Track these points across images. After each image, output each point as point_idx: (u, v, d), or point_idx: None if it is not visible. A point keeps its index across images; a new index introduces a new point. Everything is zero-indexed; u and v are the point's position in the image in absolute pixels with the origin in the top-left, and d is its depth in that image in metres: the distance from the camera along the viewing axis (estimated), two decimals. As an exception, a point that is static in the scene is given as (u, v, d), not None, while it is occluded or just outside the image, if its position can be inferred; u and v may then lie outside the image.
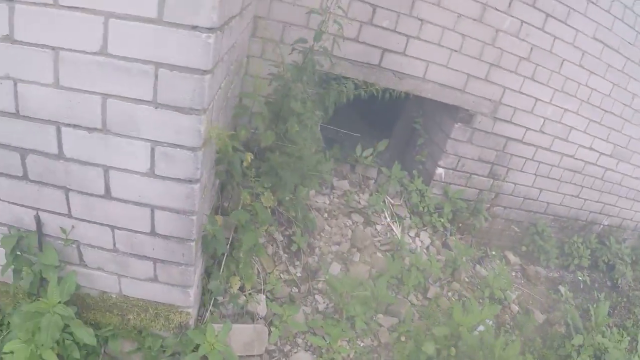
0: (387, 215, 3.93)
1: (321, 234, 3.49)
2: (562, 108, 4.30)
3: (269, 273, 2.95)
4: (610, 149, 4.85)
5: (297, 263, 3.19)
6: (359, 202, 3.92)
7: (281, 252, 3.15)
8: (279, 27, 3.16)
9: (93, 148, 1.77)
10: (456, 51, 3.63)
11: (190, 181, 1.84)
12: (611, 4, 3.94)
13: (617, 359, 3.71)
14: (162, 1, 1.49)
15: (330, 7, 2.64)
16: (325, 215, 3.64)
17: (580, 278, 4.95)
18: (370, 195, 4.01)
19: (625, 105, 4.64)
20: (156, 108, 1.67)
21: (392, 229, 3.86)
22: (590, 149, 4.72)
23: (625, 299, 4.99)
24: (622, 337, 4.22)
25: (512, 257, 4.64)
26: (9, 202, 1.98)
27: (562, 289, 4.58)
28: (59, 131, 1.73)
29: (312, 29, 3.04)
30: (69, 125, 1.72)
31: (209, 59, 1.59)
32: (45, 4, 1.53)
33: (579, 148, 4.64)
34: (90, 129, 1.72)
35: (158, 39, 1.55)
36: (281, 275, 3.04)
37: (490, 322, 3.47)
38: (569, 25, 3.88)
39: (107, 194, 1.87)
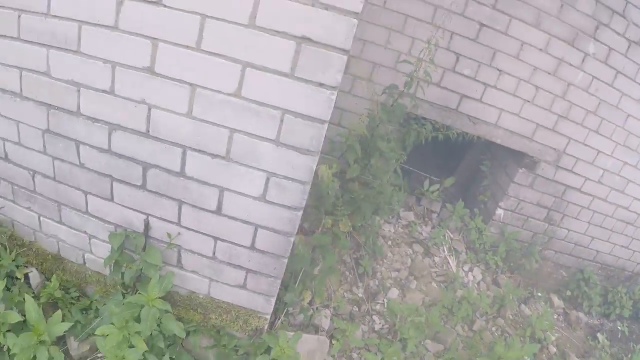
0: (445, 249, 4.03)
1: (384, 259, 3.62)
2: (622, 161, 4.29)
3: (335, 291, 3.12)
4: None
5: (360, 284, 3.33)
6: (421, 234, 4.04)
7: (347, 273, 3.31)
8: (369, 66, 3.33)
9: (213, 171, 1.95)
10: (529, 101, 3.71)
11: (295, 209, 2.00)
12: None
13: None
14: (296, 60, 1.66)
15: (422, 55, 2.80)
16: (389, 242, 3.77)
17: (619, 328, 4.93)
18: (432, 228, 4.13)
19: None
20: (277, 146, 1.84)
21: (448, 262, 3.96)
22: (644, 202, 4.73)
23: None
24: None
25: (556, 300, 4.66)
26: (122, 206, 2.17)
27: (600, 336, 4.58)
28: (184, 153, 1.92)
29: (399, 71, 3.20)
30: (194, 149, 1.90)
31: (329, 111, 1.75)
32: (188, 46, 1.72)
33: (634, 201, 4.64)
34: (213, 155, 1.90)
35: (288, 90, 1.72)
36: (345, 294, 3.19)
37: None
38: (637, 82, 3.94)
39: (218, 211, 2.05)
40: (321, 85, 1.70)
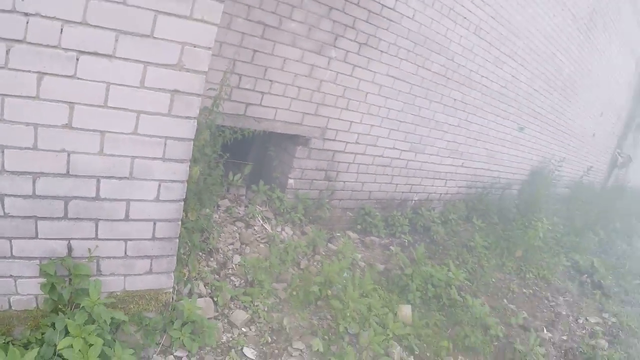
0: (259, 219, 5.22)
1: (219, 238, 4.68)
2: (369, 125, 5.98)
3: (198, 266, 4.12)
4: (409, 147, 6.77)
5: (212, 259, 4.37)
6: (239, 213, 5.17)
7: (200, 253, 4.33)
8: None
9: (121, 189, 2.79)
10: (295, 99, 5.08)
11: (179, 201, 2.99)
12: (398, 50, 5.76)
13: (439, 278, 5.32)
14: (171, 104, 2.68)
15: (224, 81, 3.89)
16: (220, 225, 4.86)
17: (405, 240, 6.64)
18: (246, 207, 5.28)
19: (415, 115, 6.53)
20: (164, 161, 2.80)
21: (265, 228, 5.16)
22: (394, 148, 6.55)
23: (441, 247, 6.82)
24: (442, 267, 5.79)
25: (352, 234, 6.19)
26: (46, 239, 2.75)
27: (392, 248, 6.20)
28: (98, 182, 2.71)
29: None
30: (106, 177, 2.71)
31: (193, 133, 2.80)
32: (98, 105, 2.52)
33: (386, 149, 6.41)
34: (120, 178, 2.76)
35: (167, 123, 2.71)
36: (204, 268, 4.22)
37: (346, 274, 4.87)
38: (369, 70, 5.57)
39: (127, 217, 2.90)
40: (187, 117, 2.75)
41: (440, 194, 8.04)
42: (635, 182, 24.10)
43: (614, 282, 9.10)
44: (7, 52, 2.22)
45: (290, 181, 5.60)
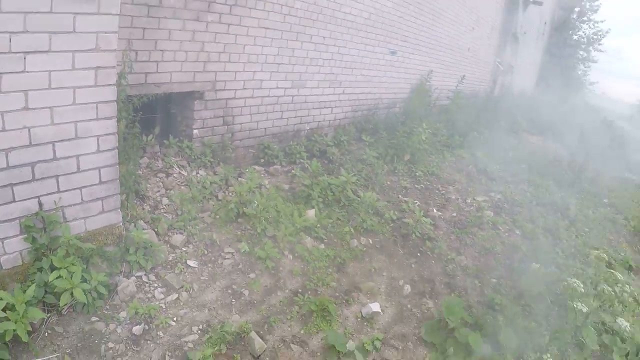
0: (176, 167, 6.41)
1: (146, 188, 5.83)
2: (252, 71, 7.20)
3: (136, 209, 5.30)
4: (290, 84, 8.10)
5: (145, 204, 5.54)
6: (158, 166, 6.33)
7: (134, 200, 5.50)
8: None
9: (71, 148, 3.89)
10: (184, 61, 6.17)
11: (114, 149, 4.16)
12: (264, 4, 6.98)
13: (336, 184, 6.86)
14: (96, 78, 3.83)
15: (124, 58, 5.00)
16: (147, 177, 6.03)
17: (304, 163, 7.96)
18: (162, 160, 6.45)
19: (290, 56, 7.86)
20: (98, 120, 3.94)
21: (182, 174, 6.35)
22: (277, 87, 7.86)
23: (337, 165, 8.33)
24: (338, 177, 7.16)
25: (257, 167, 7.47)
26: (21, 200, 3.74)
27: (295, 172, 7.50)
28: (53, 146, 3.81)
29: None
30: (59, 140, 3.80)
31: (115, 95, 3.98)
32: (45, 88, 3.69)
33: (270, 90, 7.72)
34: (70, 139, 3.86)
35: (96, 92, 3.88)
36: (141, 210, 5.38)
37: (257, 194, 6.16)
38: (243, 26, 6.78)
39: (79, 169, 4.01)
40: (109, 85, 3.91)
41: (329, 120, 9.48)
42: (521, 87, 26.67)
43: (499, 169, 10.91)
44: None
45: (195, 131, 6.76)
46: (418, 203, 7.97)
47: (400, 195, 8.18)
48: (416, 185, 8.90)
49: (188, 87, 6.39)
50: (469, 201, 8.81)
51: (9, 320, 3.29)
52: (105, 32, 3.78)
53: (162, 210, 5.54)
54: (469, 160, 10.96)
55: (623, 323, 4.70)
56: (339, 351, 4.11)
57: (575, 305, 4.60)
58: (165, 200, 5.69)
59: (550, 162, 12.30)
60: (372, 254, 6.02)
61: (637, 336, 5.06)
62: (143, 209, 5.40)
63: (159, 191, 5.85)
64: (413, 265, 6.05)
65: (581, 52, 36.87)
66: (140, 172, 5.99)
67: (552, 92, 30.28)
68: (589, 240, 8.18)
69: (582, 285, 4.85)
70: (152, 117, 6.66)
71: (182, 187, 6.07)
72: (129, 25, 5.39)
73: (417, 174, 9.20)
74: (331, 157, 8.62)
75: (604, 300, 4.94)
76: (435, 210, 7.91)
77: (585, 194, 10.98)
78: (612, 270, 5.65)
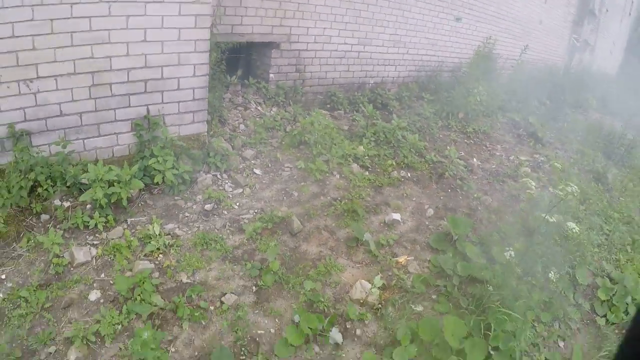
0: (253, 103, 7.83)
1: (228, 115, 7.27)
2: (322, 28, 8.52)
3: (218, 128, 6.76)
4: (357, 41, 9.31)
5: (225, 127, 7.00)
6: (238, 101, 7.77)
7: (217, 122, 6.96)
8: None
9: (174, 71, 5.40)
10: (264, 17, 7.53)
11: (206, 75, 5.60)
12: None
13: (388, 128, 8.07)
14: (196, 22, 5.26)
15: (216, 12, 6.41)
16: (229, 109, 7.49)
17: (364, 109, 9.13)
18: (242, 97, 7.89)
19: (357, 17, 9.04)
20: (195, 53, 5.41)
21: (258, 109, 7.77)
22: (345, 43, 9.12)
23: (395, 116, 9.39)
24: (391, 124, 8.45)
25: (324, 112, 8.76)
26: (135, 106, 5.35)
27: (356, 115, 8.77)
28: (162, 69, 5.34)
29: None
30: (165, 65, 5.31)
31: (209, 35, 5.42)
32: (159, 27, 5.18)
33: (339, 45, 9.01)
34: (174, 65, 5.36)
35: (196, 32, 5.30)
36: (222, 129, 6.84)
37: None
38: None
39: (178, 88, 5.49)
40: (204, 28, 5.33)
41: (393, 77, 10.66)
42: (602, 66, 26.62)
43: (551, 136, 11.67)
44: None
45: (271, 75, 8.16)
46: (462, 153, 9.05)
47: (448, 147, 9.28)
48: (466, 140, 9.89)
49: (267, 38, 7.76)
50: (512, 158, 9.75)
51: (117, 186, 4.76)
52: (203, -13, 5.19)
53: (239, 133, 6.97)
54: (520, 124, 11.82)
55: (571, 225, 5.79)
56: (357, 239, 5.41)
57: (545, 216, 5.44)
58: (242, 127, 7.14)
59: (604, 136, 12.79)
60: (407, 184, 7.19)
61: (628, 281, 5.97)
62: (224, 129, 6.85)
63: (237, 120, 7.30)
64: (441, 197, 7.15)
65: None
66: (224, 104, 7.44)
67: (637, 75, 29.93)
68: (618, 206, 8.68)
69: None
70: (236, 62, 8.08)
71: (257, 119, 7.48)
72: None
73: (468, 130, 10.17)
74: (391, 110, 9.78)
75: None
76: (476, 160, 8.98)
77: (632, 169, 11.51)
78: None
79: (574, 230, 5.81)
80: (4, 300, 3.76)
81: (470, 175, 8.11)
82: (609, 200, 8.79)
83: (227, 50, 6.88)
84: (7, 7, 4.06)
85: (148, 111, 5.39)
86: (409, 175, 7.45)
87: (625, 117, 16.23)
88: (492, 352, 4.24)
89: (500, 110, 11.86)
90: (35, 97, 4.48)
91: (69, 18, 4.41)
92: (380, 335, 4.43)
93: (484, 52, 12.71)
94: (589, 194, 8.50)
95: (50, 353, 3.52)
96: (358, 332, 4.41)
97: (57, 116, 4.69)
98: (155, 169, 5.18)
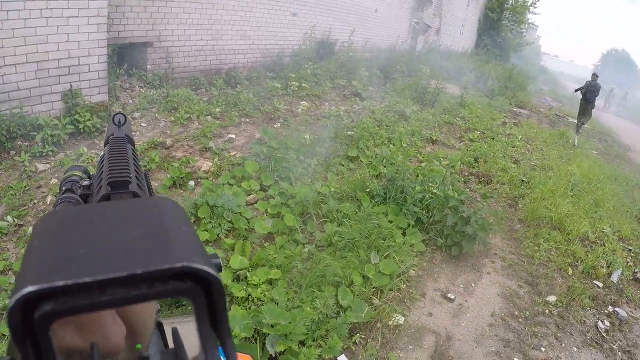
0: (137, 87, 11.37)
1: (123, 93, 10.78)
2: (183, 29, 12.13)
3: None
4: (211, 37, 12.98)
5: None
6: (127, 85, 11.28)
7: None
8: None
9: None
10: (140, 24, 11.10)
11: (106, 62, 9.17)
12: None
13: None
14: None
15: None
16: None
17: (217, 87, 12.84)
18: (129, 83, 11.40)
19: (209, 19, 12.69)
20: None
21: (142, 91, 11.31)
22: (202, 40, 12.73)
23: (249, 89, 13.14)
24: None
25: (190, 90, 12.36)
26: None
27: (212, 91, 12.44)
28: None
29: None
30: None
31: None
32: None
33: (197, 41, 12.65)
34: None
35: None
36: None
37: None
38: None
39: (89, 71, 9.03)
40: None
41: (243, 63, 14.26)
42: (450, 44, 31.56)
43: (373, 94, 15.81)
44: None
45: (149, 67, 11.64)
46: (288, 107, 12.91)
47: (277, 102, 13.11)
48: (300, 101, 13.80)
49: (143, 39, 11.22)
50: (334, 109, 13.69)
51: (58, 130, 8.23)
52: None
53: (129, 105, 10.49)
54: (347, 87, 15.83)
55: (385, 150, 9.81)
56: (206, 147, 9.09)
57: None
58: (130, 102, 10.64)
59: (419, 91, 16.98)
60: (246, 125, 11.00)
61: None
62: (119, 103, 10.34)
63: (127, 98, 10.78)
64: (269, 129, 11.04)
65: (517, 15, 40.66)
66: (116, 88, 10.91)
67: (487, 53, 35.41)
68: (415, 129, 12.96)
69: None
70: (122, 58, 11.53)
71: (141, 98, 10.98)
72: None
73: (302, 94, 14.01)
74: (243, 87, 13.51)
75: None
76: (301, 110, 12.83)
77: (437, 110, 15.82)
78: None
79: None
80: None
81: (295, 117, 11.98)
82: (404, 125, 12.96)
83: (116, 49, 10.35)
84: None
85: (71, 87, 8.67)
86: (247, 120, 11.22)
87: (460, 82, 20.82)
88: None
89: (330, 79, 15.84)
90: (2, 78, 7.87)
91: (23, 28, 7.84)
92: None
93: (319, 39, 16.66)
94: (390, 121, 12.67)
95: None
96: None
97: (15, 90, 8.08)
98: (79, 121, 8.63)
